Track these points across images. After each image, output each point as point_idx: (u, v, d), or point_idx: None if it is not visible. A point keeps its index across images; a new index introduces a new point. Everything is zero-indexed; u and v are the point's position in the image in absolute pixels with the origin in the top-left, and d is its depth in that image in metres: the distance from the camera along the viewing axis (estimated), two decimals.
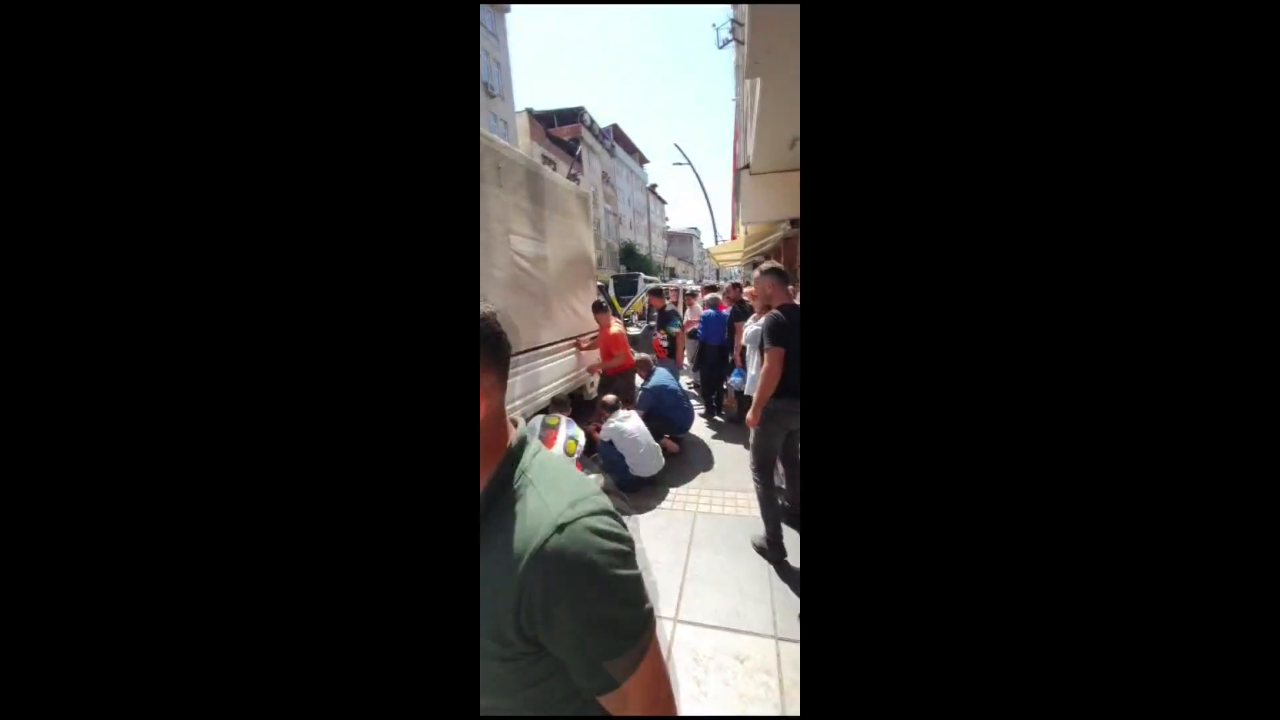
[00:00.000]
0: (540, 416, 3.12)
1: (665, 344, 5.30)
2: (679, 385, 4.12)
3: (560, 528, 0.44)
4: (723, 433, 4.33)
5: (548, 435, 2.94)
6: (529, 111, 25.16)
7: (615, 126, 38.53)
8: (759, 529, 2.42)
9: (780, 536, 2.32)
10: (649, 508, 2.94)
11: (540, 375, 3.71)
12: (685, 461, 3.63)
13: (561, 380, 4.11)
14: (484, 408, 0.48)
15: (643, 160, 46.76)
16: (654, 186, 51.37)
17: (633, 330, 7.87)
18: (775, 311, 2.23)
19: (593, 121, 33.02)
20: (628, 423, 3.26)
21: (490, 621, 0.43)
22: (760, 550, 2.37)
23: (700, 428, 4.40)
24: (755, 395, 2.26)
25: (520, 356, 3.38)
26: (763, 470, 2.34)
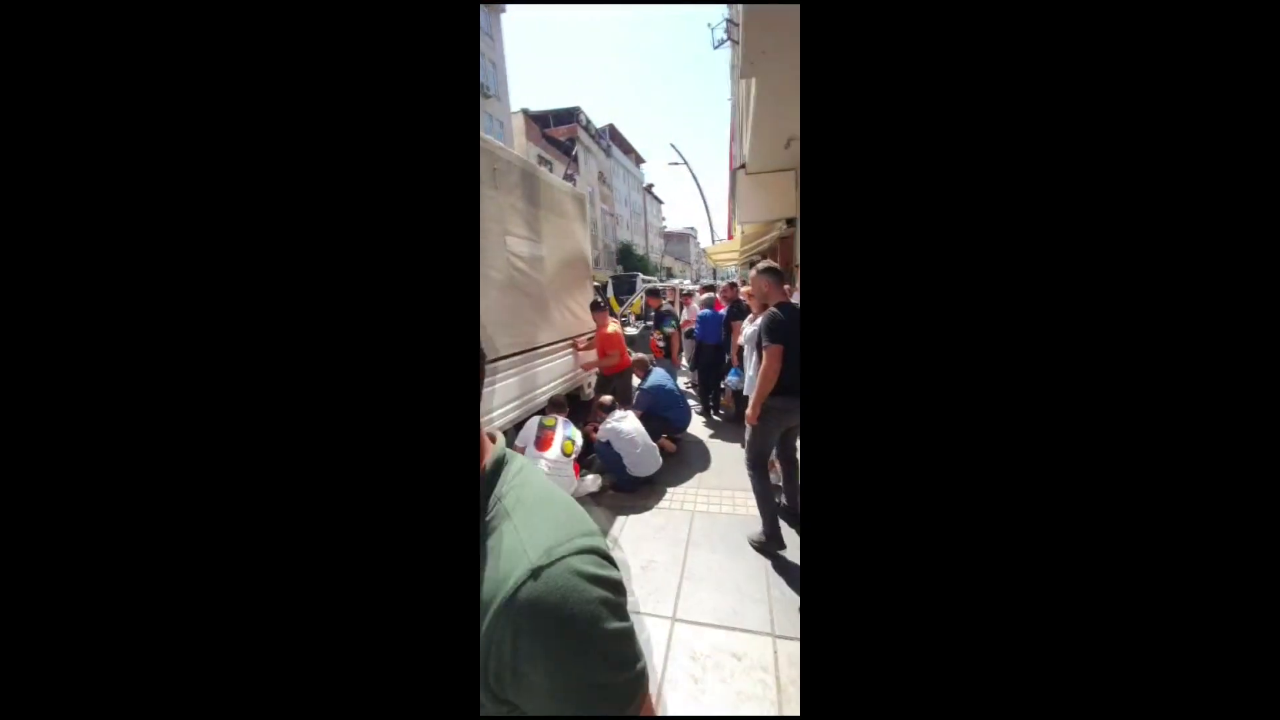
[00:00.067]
0: (537, 417, 3.12)
1: (662, 344, 5.30)
2: (676, 385, 4.12)
3: (536, 572, 0.37)
4: (720, 432, 4.34)
5: (545, 436, 2.94)
6: (524, 112, 25.13)
7: (611, 126, 38.54)
8: (755, 528, 2.43)
9: (778, 530, 2.34)
10: (647, 507, 2.94)
11: (537, 376, 3.71)
12: (683, 461, 3.64)
13: (559, 381, 4.10)
14: None
15: (639, 160, 46.80)
16: (650, 186, 51.42)
17: (630, 330, 7.87)
18: (773, 309, 2.25)
19: (589, 121, 33.01)
20: (625, 423, 3.26)
21: None
22: (758, 546, 2.38)
23: (698, 427, 4.40)
24: (755, 392, 2.27)
25: (517, 357, 3.37)
26: (758, 467, 2.38)
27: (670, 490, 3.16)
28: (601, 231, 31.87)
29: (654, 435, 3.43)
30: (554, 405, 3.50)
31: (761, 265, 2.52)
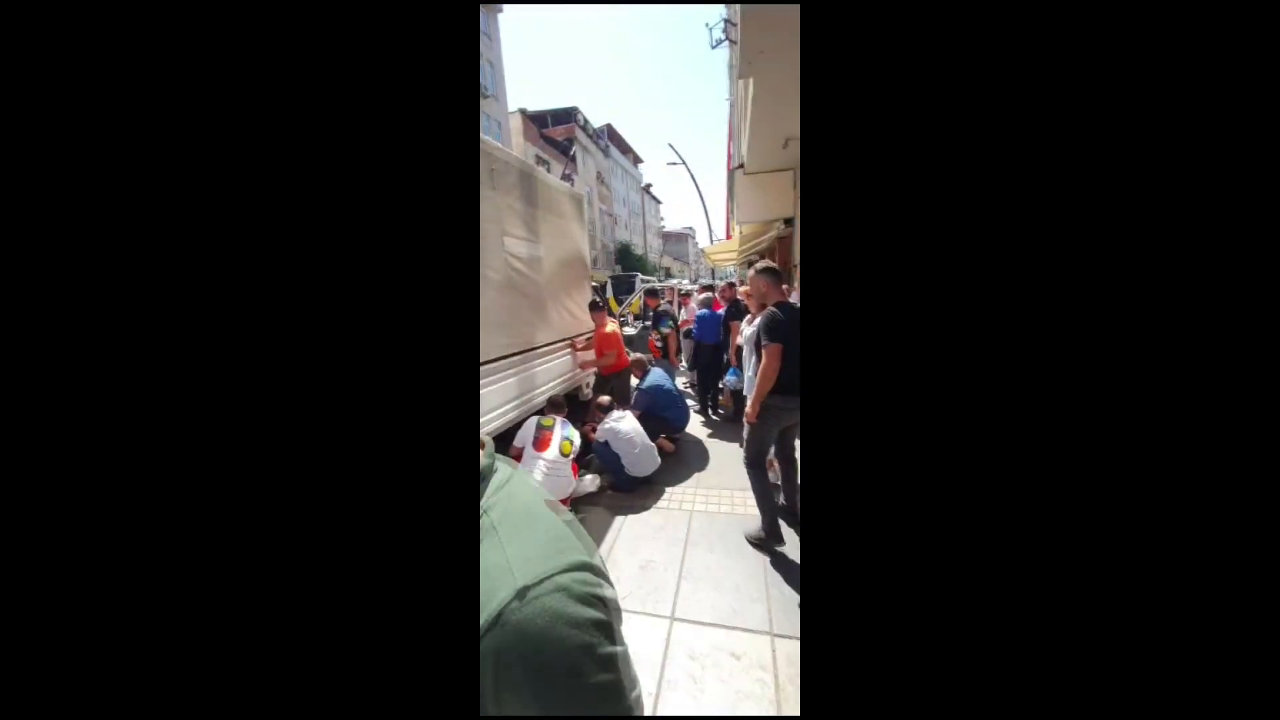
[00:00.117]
0: (536, 418, 3.12)
1: (660, 344, 5.30)
2: (674, 385, 4.13)
3: (522, 593, 0.34)
4: (718, 432, 4.34)
5: (543, 436, 2.94)
6: (522, 112, 25.11)
7: (609, 126, 38.53)
8: (753, 526, 2.44)
9: (777, 526, 2.36)
10: (645, 507, 2.94)
11: (536, 376, 3.70)
12: (681, 461, 3.64)
13: (557, 381, 4.10)
14: None
15: (637, 160, 46.81)
16: (648, 186, 51.43)
17: (628, 330, 7.88)
18: (772, 309, 2.26)
19: (587, 121, 32.99)
20: (623, 423, 3.26)
21: None
22: (756, 543, 2.39)
23: (696, 427, 4.41)
24: (755, 390, 2.29)
25: (516, 358, 3.37)
26: (756, 465, 2.40)
27: (669, 490, 3.16)
28: (600, 231, 31.86)
29: (652, 435, 3.43)
30: (552, 405, 3.50)
31: (760, 265, 2.54)
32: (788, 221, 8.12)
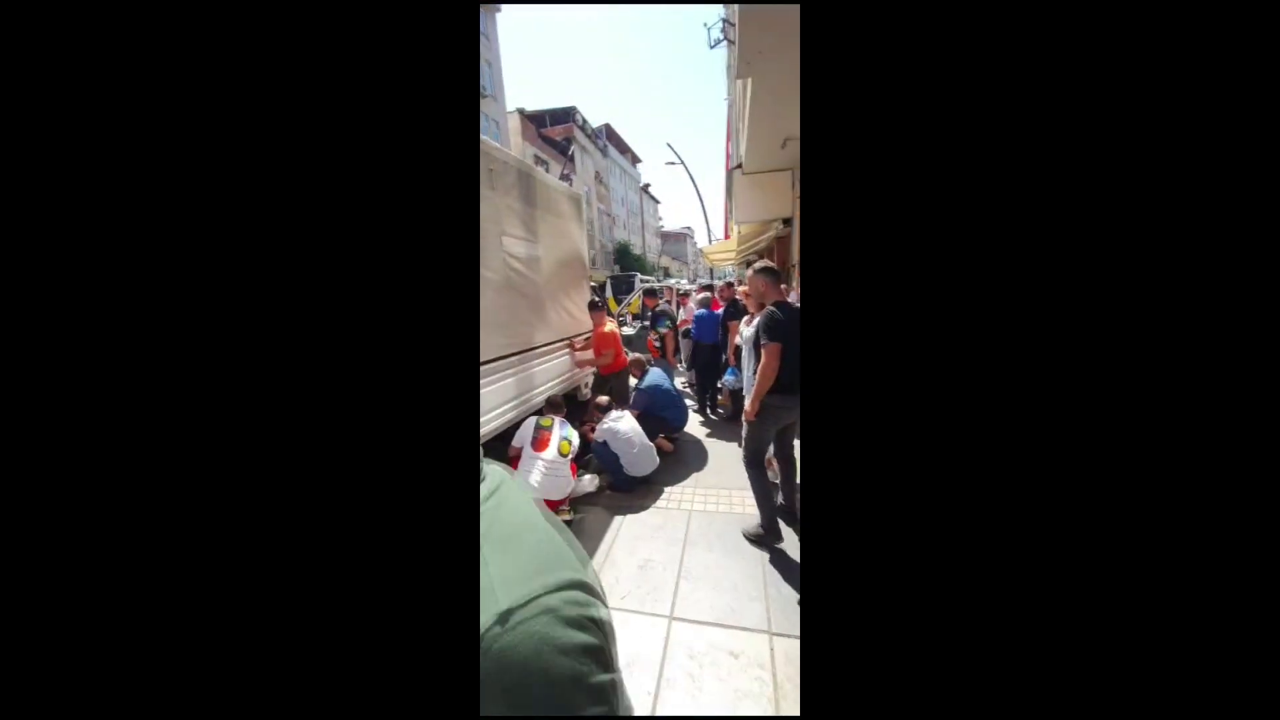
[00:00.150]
0: (534, 418, 3.12)
1: (658, 344, 5.30)
2: (673, 385, 4.13)
3: (505, 617, 0.31)
4: (717, 431, 4.35)
5: (541, 436, 2.94)
6: (520, 112, 25.08)
7: (608, 126, 38.51)
8: (752, 524, 2.45)
9: (776, 523, 2.37)
10: (644, 507, 2.94)
11: (534, 376, 3.70)
12: (680, 460, 3.64)
13: (556, 381, 4.10)
14: None
15: (635, 160, 46.80)
16: (647, 186, 51.43)
17: (627, 330, 7.87)
18: (771, 308, 2.27)
19: (585, 121, 32.97)
20: (621, 423, 3.26)
21: None
22: (755, 539, 2.40)
23: (695, 426, 4.41)
24: (754, 389, 2.30)
25: (514, 358, 3.37)
26: (755, 463, 2.41)
27: (667, 490, 3.16)
28: (598, 231, 31.85)
29: (651, 435, 3.43)
30: (551, 406, 3.49)
31: (759, 265, 2.55)
32: (786, 221, 8.13)
